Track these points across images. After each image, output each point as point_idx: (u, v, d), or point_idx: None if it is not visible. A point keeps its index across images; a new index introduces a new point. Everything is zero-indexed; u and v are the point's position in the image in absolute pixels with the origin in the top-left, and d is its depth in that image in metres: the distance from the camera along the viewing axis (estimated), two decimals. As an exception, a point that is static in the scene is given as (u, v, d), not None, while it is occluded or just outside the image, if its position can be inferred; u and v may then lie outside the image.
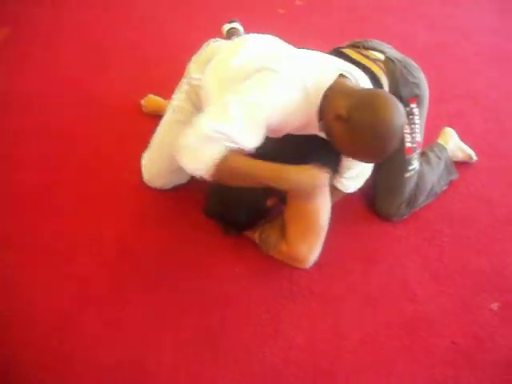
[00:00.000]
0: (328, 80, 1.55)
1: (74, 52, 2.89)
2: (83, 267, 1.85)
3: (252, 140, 1.51)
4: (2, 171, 2.18)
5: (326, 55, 1.75)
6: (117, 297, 1.78)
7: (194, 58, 1.99)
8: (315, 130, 1.63)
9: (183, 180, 2.08)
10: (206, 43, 2.00)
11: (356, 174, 1.87)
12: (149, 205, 2.08)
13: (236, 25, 2.33)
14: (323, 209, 1.78)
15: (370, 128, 1.44)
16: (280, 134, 1.68)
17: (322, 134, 1.65)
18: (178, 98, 1.99)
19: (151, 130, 2.09)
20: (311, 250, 1.83)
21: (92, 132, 2.39)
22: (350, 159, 1.70)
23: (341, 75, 1.58)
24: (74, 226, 1.99)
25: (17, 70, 2.73)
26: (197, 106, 1.90)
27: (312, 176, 1.55)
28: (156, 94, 2.49)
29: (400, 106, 1.50)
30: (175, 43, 2.93)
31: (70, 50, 2.89)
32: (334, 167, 1.80)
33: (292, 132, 1.68)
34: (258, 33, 1.87)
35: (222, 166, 1.46)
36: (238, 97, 1.53)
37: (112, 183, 2.15)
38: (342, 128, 1.49)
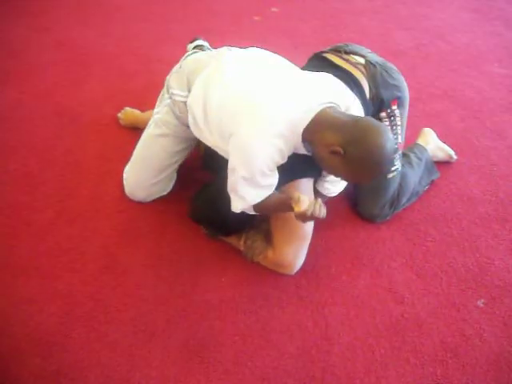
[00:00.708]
0: (303, 121, 1.55)
1: (51, 68, 2.88)
2: (66, 285, 1.83)
3: (271, 185, 1.66)
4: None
5: (307, 85, 1.68)
6: (102, 312, 1.76)
7: (174, 71, 1.97)
8: (303, 151, 1.66)
9: (164, 192, 2.08)
10: (184, 56, 2.00)
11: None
12: (131, 218, 2.07)
13: (200, 42, 2.34)
14: None
15: (367, 159, 1.48)
16: None
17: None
18: (161, 111, 1.96)
19: (129, 143, 2.09)
20: (297, 256, 1.84)
21: (70, 146, 2.38)
22: None
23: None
24: (55, 242, 1.97)
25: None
26: (181, 119, 1.88)
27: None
28: (132, 106, 2.48)
29: (388, 130, 1.58)
30: (151, 56, 2.94)
31: (46, 66, 2.88)
32: (318, 172, 1.82)
33: None
34: (237, 42, 1.88)
35: (257, 210, 1.70)
36: (236, 178, 1.63)
37: (92, 197, 2.14)
38: (339, 162, 1.51)
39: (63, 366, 1.62)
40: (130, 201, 2.09)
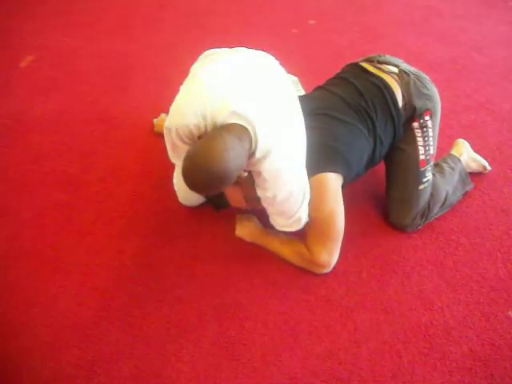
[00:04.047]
0: None
1: (96, 76, 3.00)
2: (104, 280, 1.92)
3: None
4: (24, 188, 2.28)
5: None
6: (137, 308, 1.83)
7: None
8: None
9: None
10: None
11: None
12: (168, 219, 2.14)
13: None
14: (337, 214, 1.82)
15: None
16: None
17: None
18: None
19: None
20: (331, 255, 1.87)
21: (111, 150, 2.48)
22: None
23: None
24: (95, 240, 2.06)
25: (39, 92, 2.86)
26: None
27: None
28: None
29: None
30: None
31: (91, 74, 3.01)
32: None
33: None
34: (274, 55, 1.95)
35: None
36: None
37: (131, 199, 2.23)
38: None
39: (99, 357, 1.69)
40: (167, 203, 2.17)
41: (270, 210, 1.80)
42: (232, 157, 1.47)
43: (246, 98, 1.58)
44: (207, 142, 1.52)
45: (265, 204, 1.77)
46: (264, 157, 1.58)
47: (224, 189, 1.57)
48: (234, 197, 1.85)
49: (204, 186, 1.54)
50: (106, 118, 2.67)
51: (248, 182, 1.72)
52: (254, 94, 1.61)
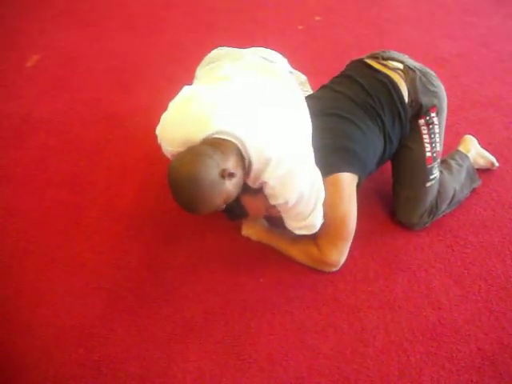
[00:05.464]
0: None
1: (101, 74, 3.00)
2: (109, 280, 1.92)
3: None
4: (30, 188, 2.29)
5: None
6: (143, 307, 1.83)
7: None
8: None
9: None
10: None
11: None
12: (175, 219, 2.13)
13: None
14: (351, 214, 1.81)
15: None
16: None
17: None
18: None
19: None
20: (342, 255, 1.88)
21: (117, 149, 2.48)
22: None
23: None
24: (101, 240, 2.06)
25: (45, 91, 2.87)
26: None
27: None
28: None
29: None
30: (197, 64, 3.01)
31: (97, 73, 3.01)
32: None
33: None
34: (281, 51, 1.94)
35: None
36: None
37: (137, 198, 2.23)
38: None
39: (105, 357, 1.70)
40: (173, 202, 2.15)
41: (284, 216, 1.79)
42: (210, 164, 1.50)
43: (227, 116, 1.59)
44: (185, 156, 1.56)
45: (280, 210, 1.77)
46: (265, 166, 1.58)
47: (218, 202, 1.57)
48: (255, 209, 1.83)
49: (195, 200, 1.56)
50: (111, 116, 2.67)
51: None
52: (239, 108, 1.62)
